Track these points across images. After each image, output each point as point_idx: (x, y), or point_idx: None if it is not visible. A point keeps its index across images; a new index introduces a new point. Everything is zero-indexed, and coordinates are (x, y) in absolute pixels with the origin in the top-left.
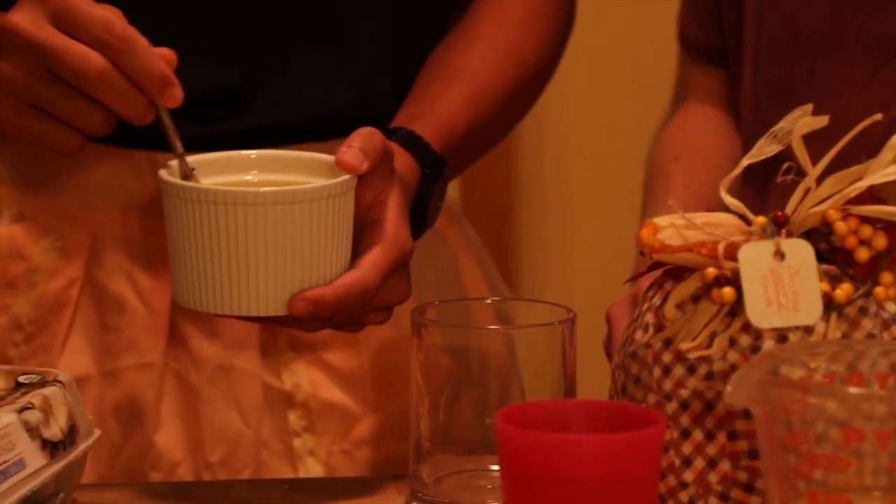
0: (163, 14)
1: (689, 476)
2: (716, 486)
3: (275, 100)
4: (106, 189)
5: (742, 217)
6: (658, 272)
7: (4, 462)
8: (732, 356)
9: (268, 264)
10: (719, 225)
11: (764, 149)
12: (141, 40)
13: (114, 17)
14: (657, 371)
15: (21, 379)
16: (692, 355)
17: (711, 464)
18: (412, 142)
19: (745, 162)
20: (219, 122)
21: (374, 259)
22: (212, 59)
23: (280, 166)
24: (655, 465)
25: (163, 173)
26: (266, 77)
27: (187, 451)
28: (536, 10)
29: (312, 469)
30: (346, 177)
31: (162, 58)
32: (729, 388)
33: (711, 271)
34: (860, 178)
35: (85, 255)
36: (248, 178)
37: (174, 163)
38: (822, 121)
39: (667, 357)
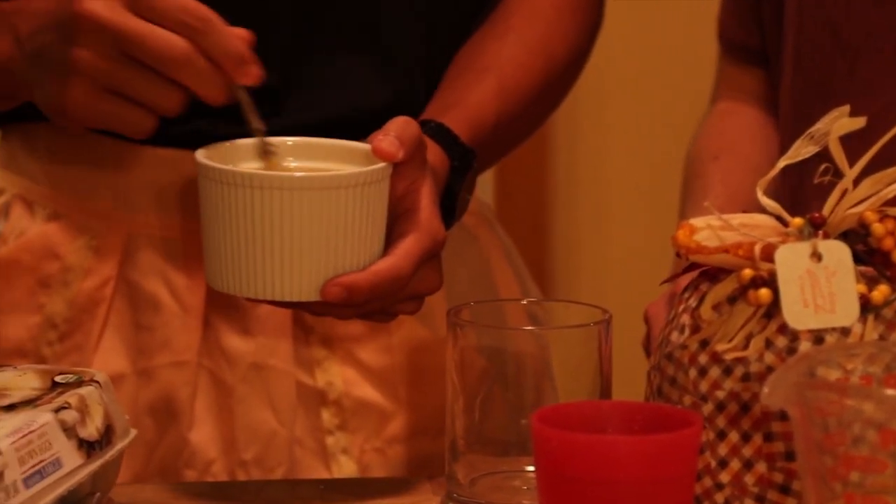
0: None
1: (725, 477)
2: (752, 487)
3: (310, 100)
4: (142, 189)
5: (779, 218)
6: (694, 273)
7: (41, 462)
8: (769, 357)
9: (302, 249)
10: (756, 226)
11: (801, 150)
12: (219, 20)
13: (191, 2)
14: (693, 372)
15: (58, 379)
16: (729, 356)
17: (747, 465)
18: (441, 134)
19: (782, 163)
20: None
21: (407, 247)
22: None
23: (317, 154)
24: (691, 466)
25: (199, 155)
26: (302, 78)
27: (221, 450)
28: (565, 6)
29: (346, 467)
30: (382, 164)
31: (238, 37)
32: (765, 389)
33: (748, 272)
34: None
35: (119, 254)
36: (285, 164)
37: (212, 146)
38: (860, 122)
39: (703, 358)
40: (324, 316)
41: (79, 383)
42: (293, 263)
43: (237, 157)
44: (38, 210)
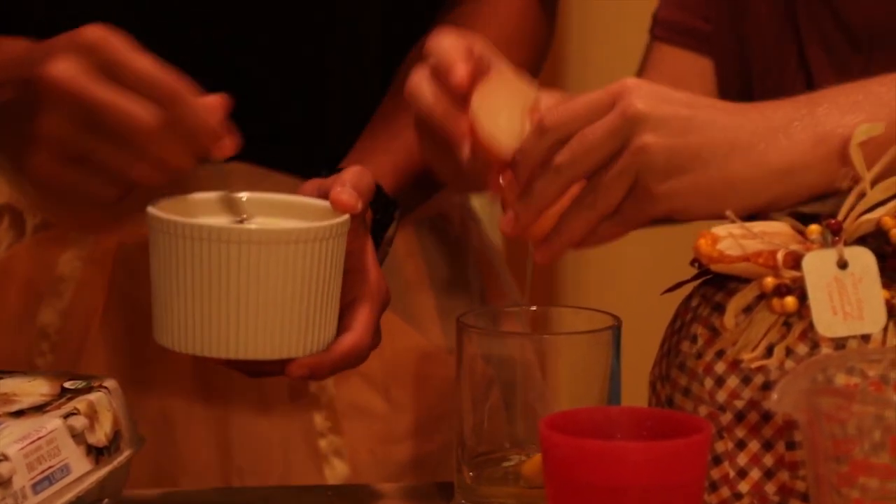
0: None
1: (744, 487)
2: (773, 496)
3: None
4: (131, 197)
5: (793, 224)
6: (698, 281)
7: (49, 467)
8: (789, 365)
9: (259, 306)
10: (776, 234)
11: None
12: (190, 94)
13: (162, 71)
14: (709, 382)
15: (67, 385)
16: (754, 365)
17: (768, 474)
18: None
19: None
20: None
21: (365, 320)
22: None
23: (273, 209)
24: (700, 472)
25: (151, 208)
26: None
27: (216, 456)
28: (511, 40)
29: (338, 469)
30: (342, 218)
31: (214, 106)
32: (774, 395)
33: (770, 281)
34: None
35: (110, 264)
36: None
37: (163, 200)
38: (879, 128)
39: (720, 368)
40: (265, 376)
41: (88, 389)
42: (249, 320)
43: (194, 212)
44: (29, 219)
